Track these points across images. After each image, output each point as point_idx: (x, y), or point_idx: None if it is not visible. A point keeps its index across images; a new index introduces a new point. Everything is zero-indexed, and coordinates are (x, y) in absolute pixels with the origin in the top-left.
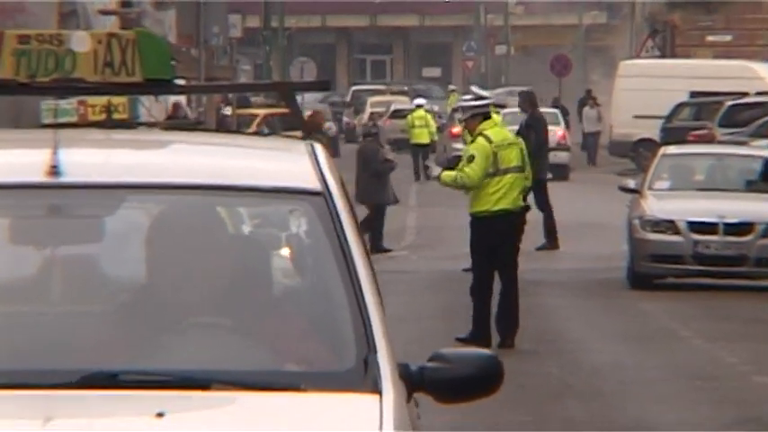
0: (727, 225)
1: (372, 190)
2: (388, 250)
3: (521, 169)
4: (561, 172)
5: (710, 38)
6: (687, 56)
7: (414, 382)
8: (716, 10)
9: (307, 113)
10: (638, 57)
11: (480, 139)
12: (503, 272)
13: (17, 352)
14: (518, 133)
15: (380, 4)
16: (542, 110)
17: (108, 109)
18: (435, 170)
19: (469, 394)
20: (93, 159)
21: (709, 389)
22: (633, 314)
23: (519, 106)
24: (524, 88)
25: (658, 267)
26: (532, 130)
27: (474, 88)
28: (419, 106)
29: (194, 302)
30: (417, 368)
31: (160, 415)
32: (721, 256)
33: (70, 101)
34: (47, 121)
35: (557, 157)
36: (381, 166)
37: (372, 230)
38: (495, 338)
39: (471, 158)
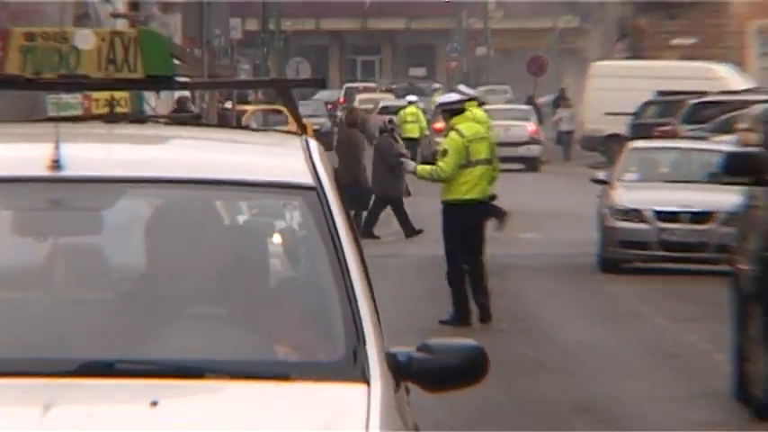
0: (690, 214)
1: (387, 183)
2: (377, 237)
3: (489, 161)
4: (532, 164)
5: (675, 41)
6: (653, 58)
7: (401, 371)
8: (680, 15)
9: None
10: (607, 58)
11: (452, 134)
12: (473, 255)
13: (19, 341)
14: None
15: (370, 8)
16: (516, 106)
17: (110, 103)
18: (409, 165)
19: (455, 384)
20: (93, 154)
21: (672, 365)
22: (603, 296)
23: None
24: (504, 86)
25: (626, 253)
26: None
27: (462, 87)
28: (411, 102)
29: (191, 293)
30: (405, 358)
31: (154, 404)
32: (685, 243)
33: (75, 95)
34: (52, 113)
35: (529, 150)
36: (395, 160)
37: (370, 216)
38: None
39: (444, 153)
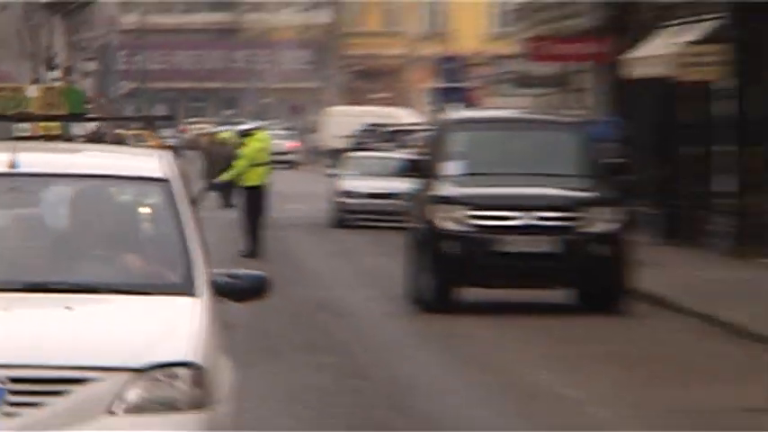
0: (385, 194)
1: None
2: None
3: (265, 164)
4: (293, 165)
5: (378, 95)
6: (364, 104)
7: (219, 290)
8: (379, 79)
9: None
10: (337, 105)
11: (247, 148)
12: (258, 216)
13: None
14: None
15: (203, 75)
16: (284, 131)
17: (48, 129)
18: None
19: (251, 297)
20: (37, 158)
21: (372, 280)
22: (335, 242)
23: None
24: (278, 120)
25: (349, 217)
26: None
27: (253, 122)
28: (226, 130)
29: (94, 242)
30: (222, 281)
31: (68, 308)
32: (383, 211)
33: (26, 124)
34: (14, 135)
35: (291, 156)
36: (226, 165)
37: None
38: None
39: (240, 157)
